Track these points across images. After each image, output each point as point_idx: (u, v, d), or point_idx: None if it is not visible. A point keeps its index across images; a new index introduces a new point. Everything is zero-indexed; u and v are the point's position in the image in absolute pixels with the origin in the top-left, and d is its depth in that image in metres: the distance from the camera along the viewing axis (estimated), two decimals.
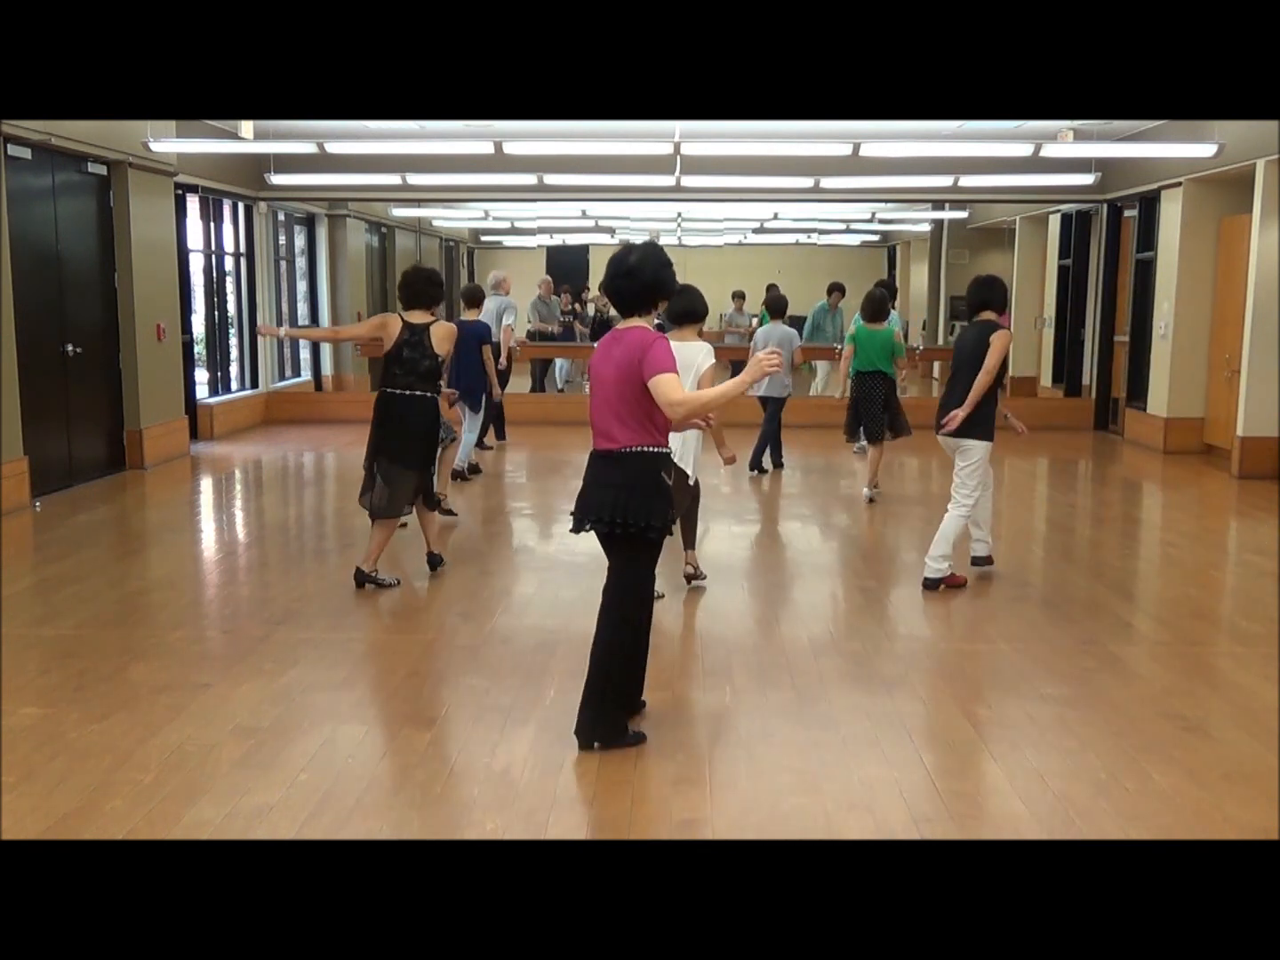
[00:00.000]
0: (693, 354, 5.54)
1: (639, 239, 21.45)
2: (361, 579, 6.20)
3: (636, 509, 3.90)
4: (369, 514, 6.29)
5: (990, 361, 6.05)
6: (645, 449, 3.94)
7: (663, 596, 5.77)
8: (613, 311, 18.86)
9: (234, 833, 3.42)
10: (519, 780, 3.80)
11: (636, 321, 4.01)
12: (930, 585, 6.24)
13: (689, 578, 6.27)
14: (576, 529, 4.07)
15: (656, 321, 5.34)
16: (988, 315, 6.32)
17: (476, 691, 4.69)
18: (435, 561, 6.57)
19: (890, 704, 4.54)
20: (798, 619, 5.93)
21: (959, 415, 6.13)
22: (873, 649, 5.28)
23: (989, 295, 6.31)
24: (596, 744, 4.05)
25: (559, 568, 6.78)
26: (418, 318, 6.18)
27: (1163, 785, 3.81)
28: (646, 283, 3.98)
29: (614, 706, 4.08)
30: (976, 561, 6.56)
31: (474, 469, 9.92)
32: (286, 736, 4.17)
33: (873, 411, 8.93)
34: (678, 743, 4.13)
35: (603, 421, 3.99)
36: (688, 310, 5.73)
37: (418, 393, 6.14)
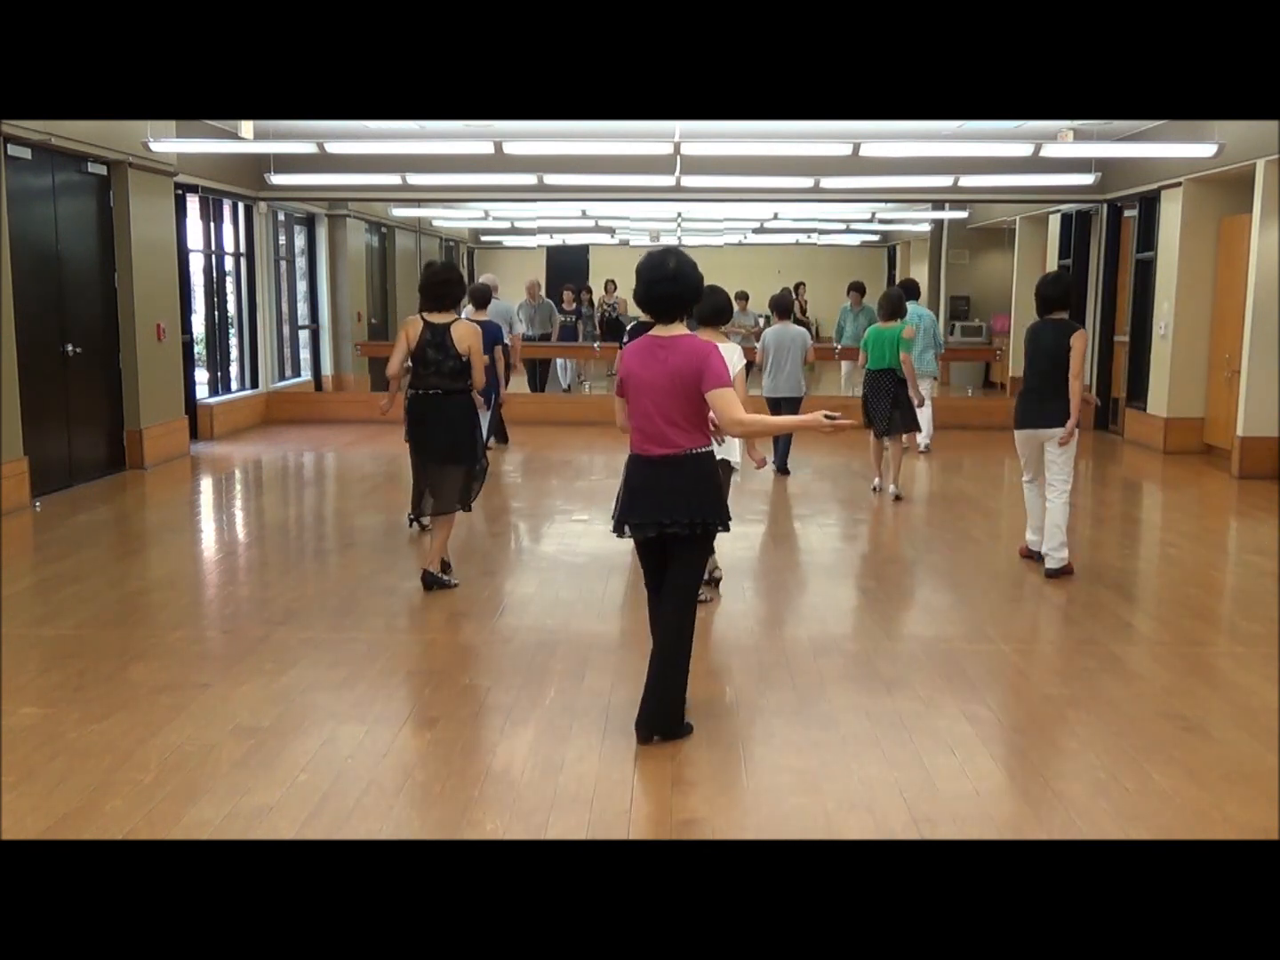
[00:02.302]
0: (727, 356, 5.59)
1: (639, 239, 21.21)
2: (430, 581, 6.17)
3: (708, 508, 4.10)
4: (427, 516, 6.37)
5: (1079, 365, 6.48)
6: (702, 450, 4.09)
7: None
8: (632, 311, 18.70)
9: (234, 833, 3.42)
10: (519, 780, 3.80)
11: (679, 328, 4.10)
12: (1054, 574, 6.50)
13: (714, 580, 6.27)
14: (641, 533, 4.11)
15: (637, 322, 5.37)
16: (1061, 314, 6.61)
17: (476, 691, 4.70)
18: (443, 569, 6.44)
19: (890, 704, 4.54)
20: (798, 619, 5.93)
21: (1072, 426, 6.49)
22: (873, 649, 5.28)
23: (1061, 292, 6.64)
24: (657, 737, 4.11)
25: (559, 568, 6.78)
26: (439, 318, 6.18)
27: (1163, 785, 3.81)
28: (691, 287, 4.09)
29: (680, 695, 4.18)
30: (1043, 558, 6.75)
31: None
32: (286, 736, 4.17)
33: (881, 408, 9.02)
34: (678, 743, 4.13)
35: (652, 426, 4.06)
36: (717, 310, 5.75)
37: (443, 391, 6.16)
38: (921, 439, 11.17)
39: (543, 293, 15.30)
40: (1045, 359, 6.55)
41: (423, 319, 6.16)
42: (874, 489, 9.20)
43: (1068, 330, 6.53)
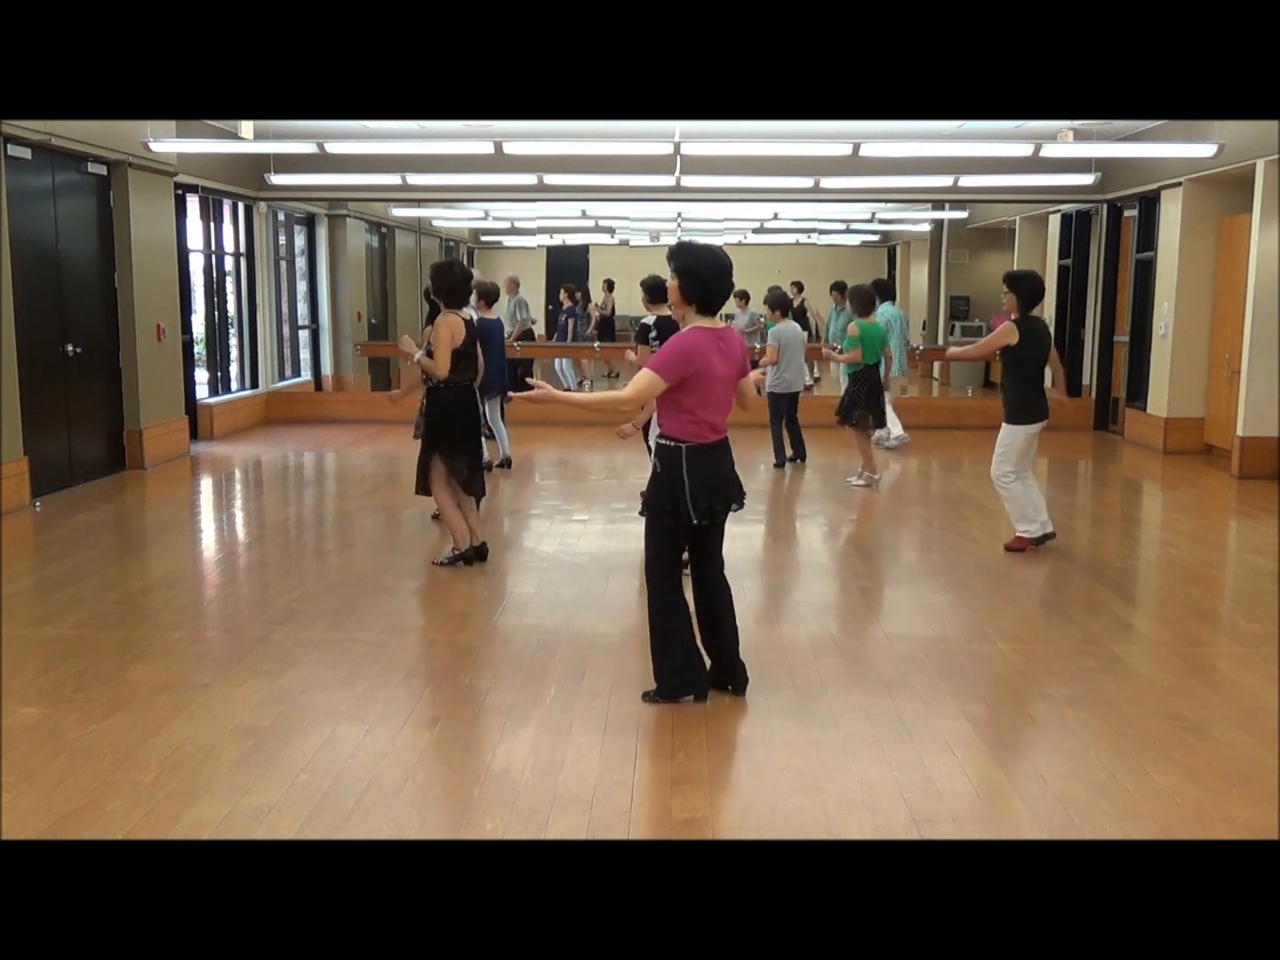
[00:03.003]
0: None
1: (639, 239, 21.26)
2: (485, 553, 6.72)
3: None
4: (477, 496, 6.73)
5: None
6: None
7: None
8: (620, 310, 18.71)
9: (234, 833, 3.42)
10: (519, 780, 3.80)
11: (718, 320, 4.38)
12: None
13: None
14: (725, 515, 4.43)
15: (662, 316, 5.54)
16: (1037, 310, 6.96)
17: (476, 691, 4.69)
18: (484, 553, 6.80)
19: (890, 704, 4.53)
20: (798, 619, 5.93)
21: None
22: (873, 649, 5.28)
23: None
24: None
25: (559, 568, 6.78)
26: (467, 313, 6.45)
27: (1163, 785, 3.81)
28: None
29: None
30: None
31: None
32: (286, 736, 4.17)
33: (880, 403, 9.29)
34: (678, 743, 4.13)
35: (721, 416, 4.38)
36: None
37: (474, 383, 6.56)
38: (897, 432, 11.54)
39: (520, 290, 15.21)
40: (1046, 355, 6.95)
41: (461, 318, 6.36)
42: (873, 485, 9.30)
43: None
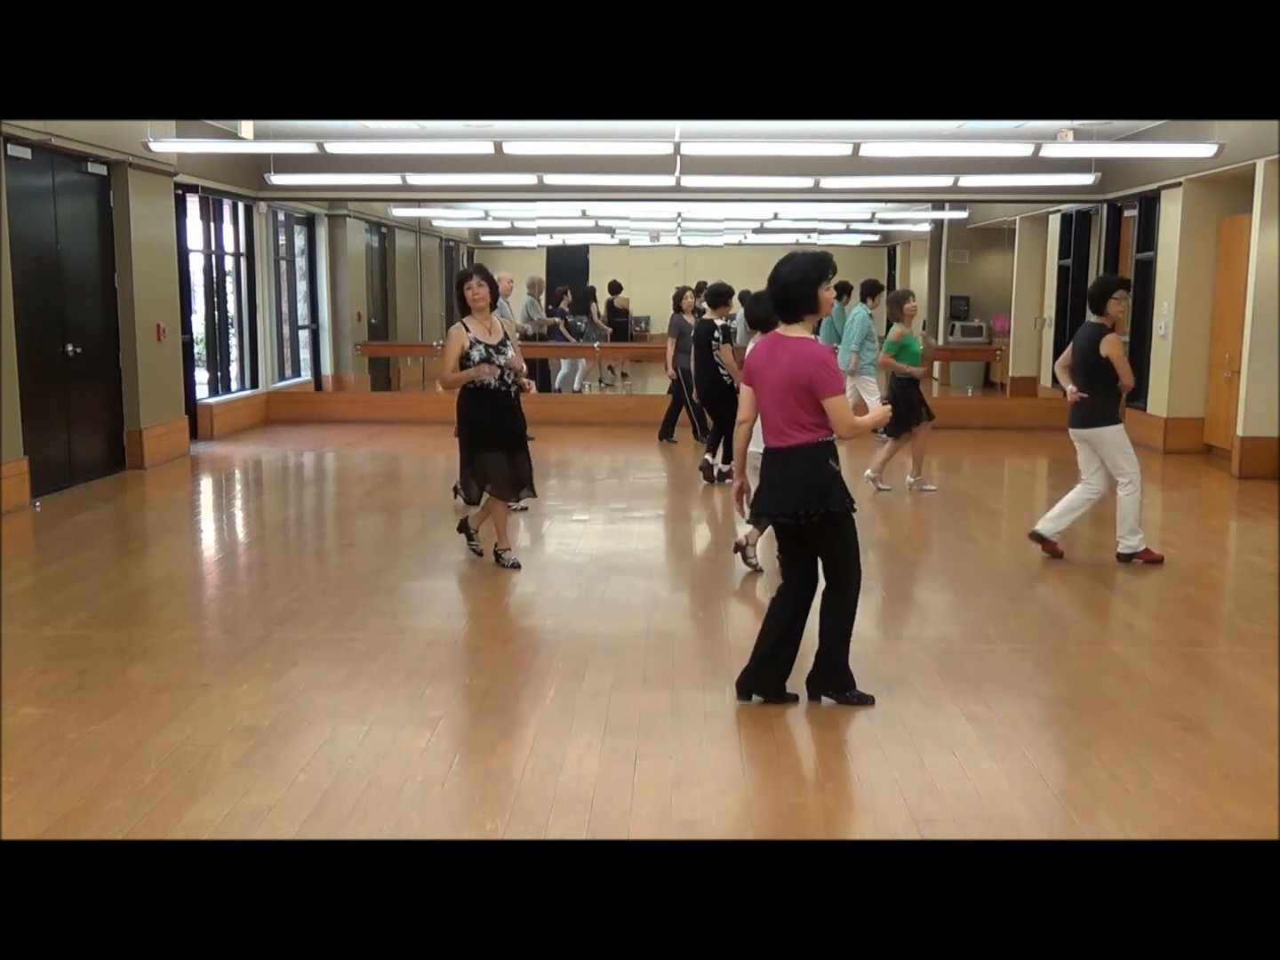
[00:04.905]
0: None
1: (639, 239, 21.23)
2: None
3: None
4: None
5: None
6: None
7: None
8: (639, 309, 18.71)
9: (234, 833, 3.42)
10: (519, 780, 3.80)
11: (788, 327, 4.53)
12: (1124, 559, 6.86)
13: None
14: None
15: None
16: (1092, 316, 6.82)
17: (476, 691, 4.69)
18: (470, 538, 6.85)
19: (890, 704, 4.53)
20: None
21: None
22: (873, 649, 5.28)
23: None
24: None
25: (559, 568, 6.78)
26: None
27: (1163, 785, 3.81)
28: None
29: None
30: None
31: None
32: (286, 736, 4.17)
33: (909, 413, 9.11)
34: (678, 743, 4.13)
35: (766, 424, 4.53)
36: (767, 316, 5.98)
37: None
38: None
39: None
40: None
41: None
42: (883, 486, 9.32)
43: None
